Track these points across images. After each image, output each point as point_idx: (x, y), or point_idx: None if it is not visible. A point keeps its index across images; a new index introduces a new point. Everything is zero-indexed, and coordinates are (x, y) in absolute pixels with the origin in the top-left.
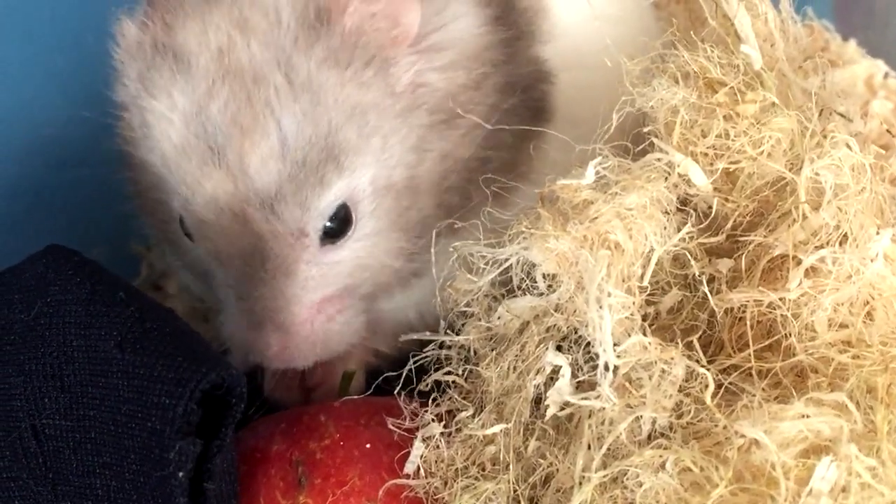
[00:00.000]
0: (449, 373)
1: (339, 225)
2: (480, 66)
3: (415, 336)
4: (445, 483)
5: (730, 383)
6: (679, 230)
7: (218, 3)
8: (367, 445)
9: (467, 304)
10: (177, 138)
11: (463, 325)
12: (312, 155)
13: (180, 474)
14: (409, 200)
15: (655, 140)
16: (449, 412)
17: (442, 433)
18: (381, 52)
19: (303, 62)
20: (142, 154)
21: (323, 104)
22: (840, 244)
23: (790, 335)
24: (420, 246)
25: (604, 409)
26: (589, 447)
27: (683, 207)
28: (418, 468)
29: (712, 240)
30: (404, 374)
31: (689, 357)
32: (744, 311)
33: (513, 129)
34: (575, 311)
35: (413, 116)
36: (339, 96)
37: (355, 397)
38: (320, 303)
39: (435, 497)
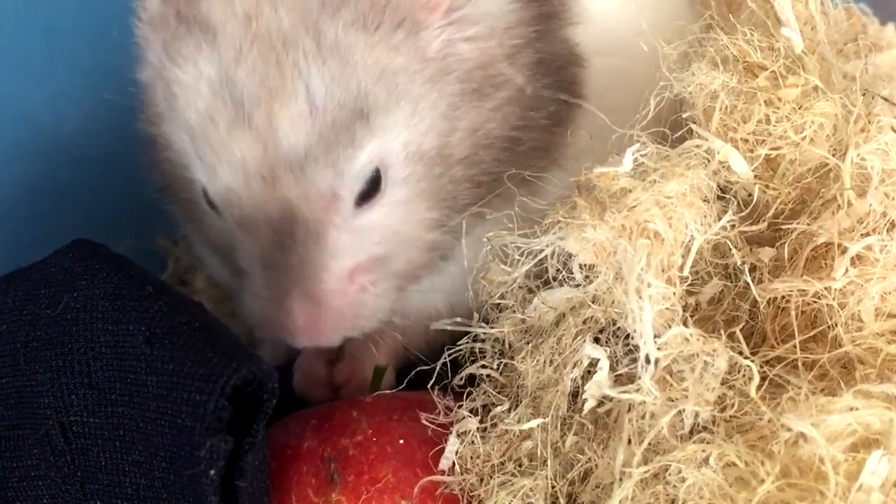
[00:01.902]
0: (483, 366)
1: (369, 187)
2: (511, 39)
3: (447, 325)
4: (481, 479)
5: (775, 375)
6: (719, 218)
7: None
8: (401, 441)
9: (501, 297)
10: (203, 106)
11: (497, 317)
12: (342, 116)
13: (212, 472)
14: (440, 170)
15: (694, 126)
16: (484, 407)
17: (477, 428)
18: (411, 14)
19: (330, 25)
20: (167, 129)
21: (351, 67)
22: (888, 231)
23: (836, 325)
24: (451, 219)
25: (644, 402)
26: (629, 442)
27: (723, 195)
28: (453, 464)
29: (753, 228)
30: (437, 369)
31: (732, 349)
32: (787, 302)
33: (545, 106)
34: (613, 303)
35: (443, 83)
36: (367, 59)
37: (387, 392)
38: (351, 272)
39: (471, 494)
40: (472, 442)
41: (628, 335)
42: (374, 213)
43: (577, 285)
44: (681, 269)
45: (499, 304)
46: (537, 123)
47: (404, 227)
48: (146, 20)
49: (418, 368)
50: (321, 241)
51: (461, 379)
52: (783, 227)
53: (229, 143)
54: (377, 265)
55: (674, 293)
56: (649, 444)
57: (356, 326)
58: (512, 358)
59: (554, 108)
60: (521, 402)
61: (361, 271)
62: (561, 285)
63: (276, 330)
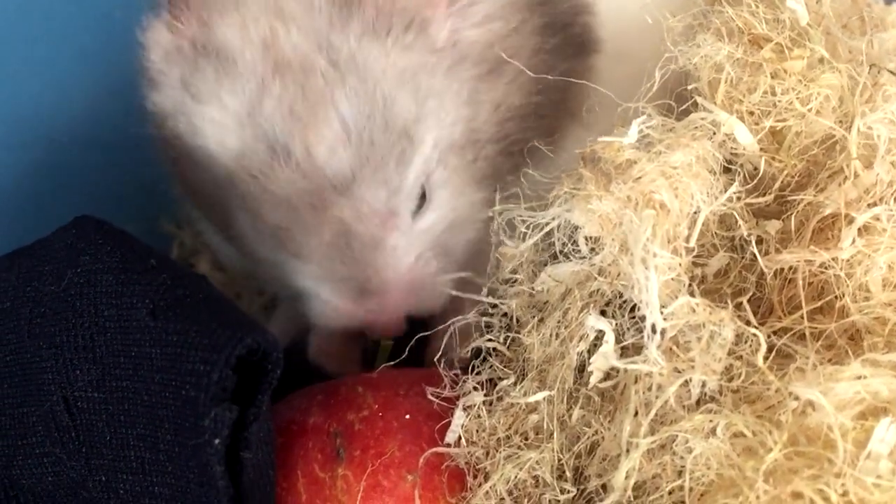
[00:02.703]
0: (490, 340)
1: (422, 198)
2: (517, 12)
3: (457, 293)
4: (487, 453)
5: (782, 345)
6: (725, 191)
7: None
8: (407, 416)
9: (513, 271)
10: (233, 143)
11: (505, 291)
12: (378, 132)
13: (216, 441)
14: (472, 153)
15: (699, 99)
16: (490, 381)
17: (483, 401)
18: (418, 13)
19: (342, 41)
20: (194, 157)
21: (371, 78)
22: (895, 201)
23: (843, 296)
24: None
25: (651, 373)
26: (636, 413)
27: (729, 167)
28: (459, 438)
29: (760, 200)
30: (444, 342)
31: (739, 318)
32: (794, 273)
33: (559, 65)
34: (619, 275)
35: (461, 70)
36: (385, 66)
37: (393, 368)
38: (412, 265)
39: (477, 467)
40: (479, 415)
41: (634, 307)
42: (430, 216)
43: (583, 258)
44: (687, 240)
45: (508, 278)
46: (555, 83)
47: (458, 215)
48: (161, 55)
49: (420, 334)
50: (380, 249)
51: (467, 353)
52: (789, 198)
53: (270, 183)
54: (439, 255)
55: (680, 264)
56: (656, 414)
57: (420, 305)
58: (518, 332)
59: (568, 64)
60: (527, 375)
61: (422, 263)
62: (568, 259)
63: (354, 325)
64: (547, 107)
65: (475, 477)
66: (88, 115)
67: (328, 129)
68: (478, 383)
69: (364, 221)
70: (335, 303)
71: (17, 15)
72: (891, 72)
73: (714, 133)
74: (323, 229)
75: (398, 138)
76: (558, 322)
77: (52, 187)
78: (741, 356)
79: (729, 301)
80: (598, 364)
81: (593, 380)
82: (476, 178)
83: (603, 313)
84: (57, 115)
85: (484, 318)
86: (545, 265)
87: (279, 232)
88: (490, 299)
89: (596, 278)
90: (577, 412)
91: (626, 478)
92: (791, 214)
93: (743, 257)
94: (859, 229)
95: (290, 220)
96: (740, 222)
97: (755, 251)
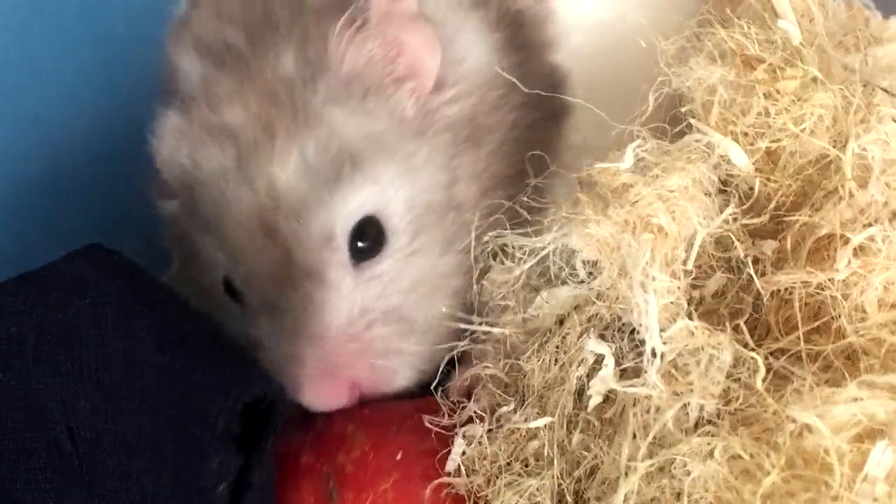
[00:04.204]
0: (487, 367)
1: (372, 241)
2: (494, 90)
3: (452, 324)
4: (488, 481)
5: (779, 367)
6: (721, 212)
7: (251, 80)
8: (399, 454)
9: (503, 297)
10: (219, 192)
11: (500, 317)
12: (334, 167)
13: (220, 488)
14: (452, 216)
15: (693, 121)
16: (488, 408)
17: (484, 429)
18: (380, 84)
19: (312, 103)
20: (194, 242)
21: (337, 133)
22: (890, 221)
23: (840, 316)
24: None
25: (650, 396)
26: (634, 436)
27: (724, 189)
28: (459, 466)
29: (755, 221)
30: (440, 371)
31: (737, 341)
32: (791, 293)
33: (539, 135)
34: (618, 298)
35: (431, 137)
36: (348, 126)
37: (385, 402)
38: (362, 318)
39: (478, 495)
40: (479, 443)
41: (632, 331)
42: (383, 265)
43: (581, 282)
44: (684, 262)
45: (500, 304)
46: (536, 149)
47: (423, 275)
48: (170, 141)
49: None
50: (321, 282)
51: (466, 381)
52: (785, 219)
53: (235, 205)
54: (394, 319)
55: (678, 287)
56: (654, 437)
57: (371, 378)
58: (518, 359)
59: (547, 133)
60: (526, 401)
61: (378, 320)
62: (563, 283)
63: (288, 384)
64: (532, 171)
65: None
66: (91, 130)
67: (290, 163)
68: (481, 410)
69: (305, 245)
70: (274, 351)
71: (20, 29)
72: (884, 90)
73: (709, 155)
74: (272, 255)
75: (344, 163)
76: (557, 347)
77: (56, 203)
78: (739, 379)
79: (727, 322)
80: (597, 387)
81: (592, 403)
82: (451, 240)
83: (602, 337)
84: (60, 131)
85: (478, 346)
86: (537, 290)
87: (237, 254)
88: (484, 327)
89: (594, 302)
90: (576, 437)
91: (625, 501)
92: (787, 235)
93: (740, 278)
94: (855, 250)
95: (247, 243)
96: (736, 243)
97: (751, 272)
